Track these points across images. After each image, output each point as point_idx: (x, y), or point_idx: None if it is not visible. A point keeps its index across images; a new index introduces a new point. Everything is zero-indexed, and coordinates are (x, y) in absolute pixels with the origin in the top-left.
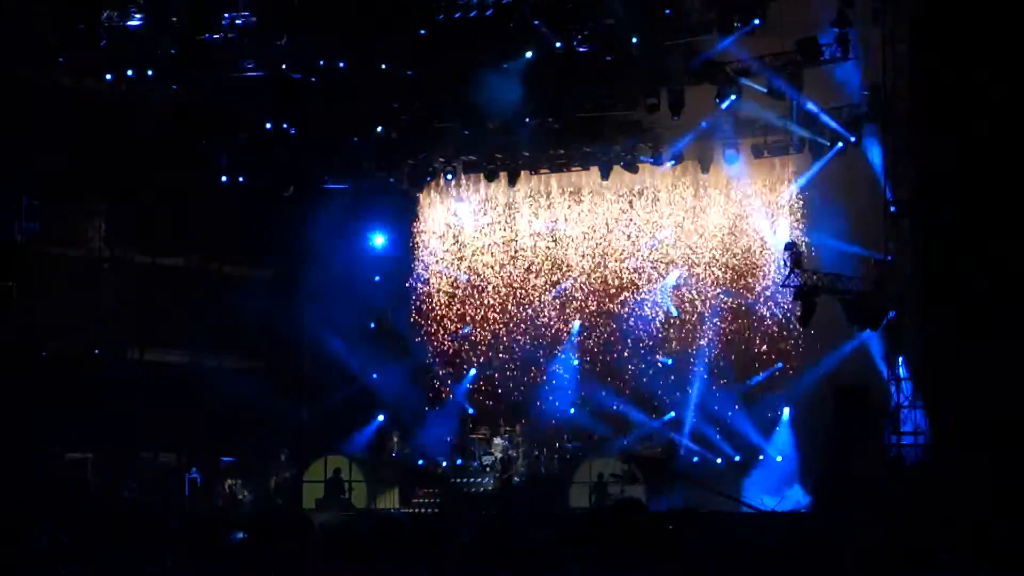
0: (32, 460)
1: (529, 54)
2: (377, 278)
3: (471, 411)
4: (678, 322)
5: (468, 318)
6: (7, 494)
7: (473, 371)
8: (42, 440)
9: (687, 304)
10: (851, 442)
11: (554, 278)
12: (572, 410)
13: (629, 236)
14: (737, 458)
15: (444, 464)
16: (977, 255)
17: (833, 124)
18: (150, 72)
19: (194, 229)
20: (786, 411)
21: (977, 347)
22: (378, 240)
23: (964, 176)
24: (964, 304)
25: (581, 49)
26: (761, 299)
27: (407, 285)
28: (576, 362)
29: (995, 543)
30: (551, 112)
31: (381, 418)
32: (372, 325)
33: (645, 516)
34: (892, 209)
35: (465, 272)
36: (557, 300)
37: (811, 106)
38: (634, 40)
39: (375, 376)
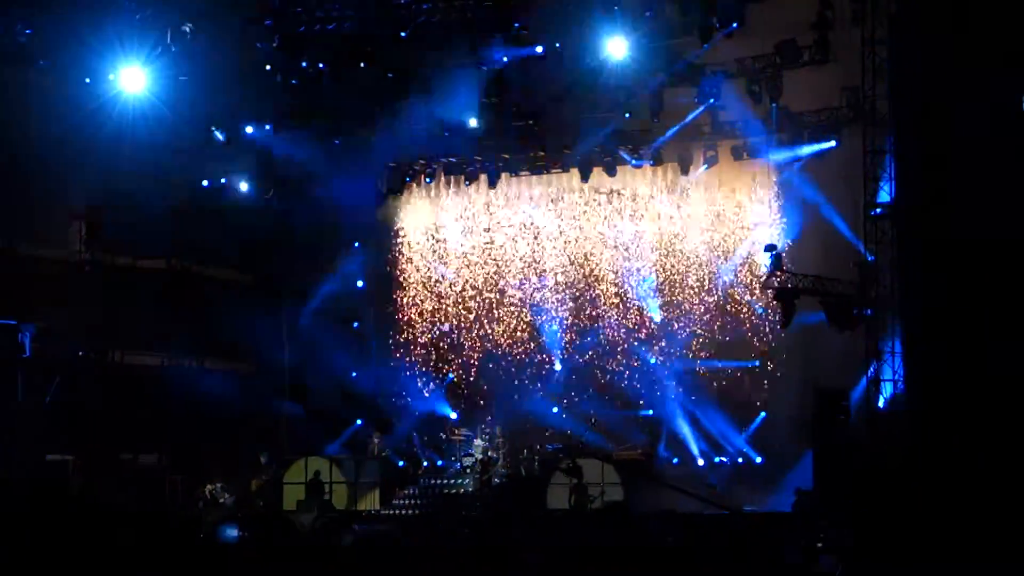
0: (11, 462)
1: (506, 59)
2: (361, 283)
3: (455, 415)
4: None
5: (448, 317)
6: None
7: (451, 376)
8: (22, 441)
9: (669, 306)
10: (831, 445)
11: (533, 279)
12: (555, 408)
13: (608, 237)
14: (716, 459)
15: (424, 465)
16: (958, 257)
17: (811, 127)
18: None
19: (174, 231)
20: (763, 412)
21: (958, 348)
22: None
23: (944, 178)
24: (944, 305)
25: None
26: (742, 300)
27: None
28: (559, 366)
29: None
30: (530, 114)
31: (359, 422)
32: (356, 325)
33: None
34: (872, 211)
35: (449, 272)
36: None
37: (790, 108)
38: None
39: (354, 375)
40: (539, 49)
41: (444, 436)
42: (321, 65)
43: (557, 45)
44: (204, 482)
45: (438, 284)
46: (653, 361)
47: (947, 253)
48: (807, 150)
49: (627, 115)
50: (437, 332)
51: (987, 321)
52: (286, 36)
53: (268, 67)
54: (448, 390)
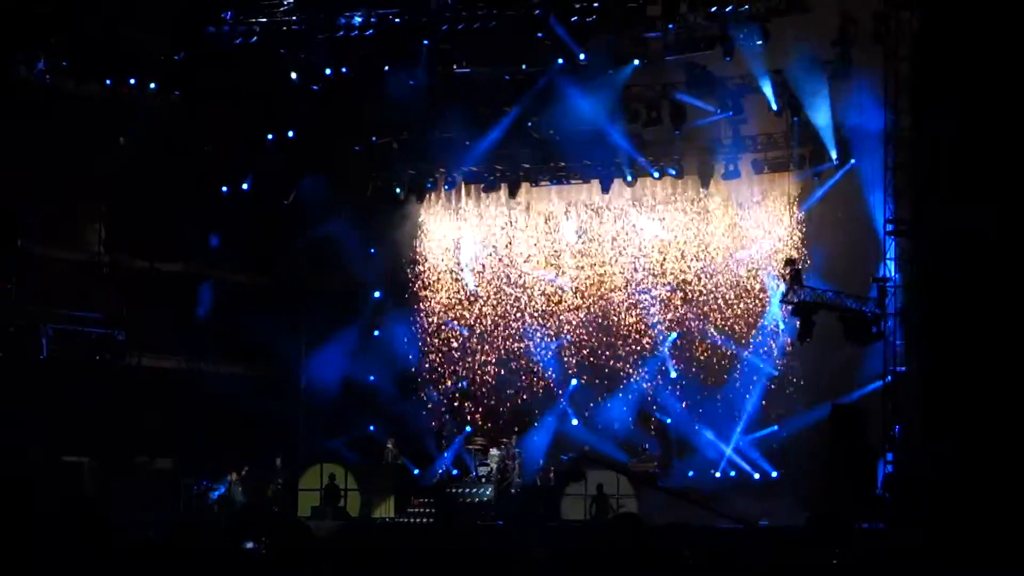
0: (27, 463)
1: (523, 66)
2: (377, 294)
3: (468, 430)
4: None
5: (466, 322)
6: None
7: (464, 382)
8: (38, 443)
9: (687, 318)
10: (847, 462)
11: (552, 288)
12: (575, 421)
13: (628, 248)
14: (733, 473)
15: (440, 473)
16: (979, 274)
17: (834, 141)
18: (153, 84)
19: (194, 235)
20: (775, 426)
21: (975, 365)
22: None
23: (964, 196)
24: (963, 322)
25: (582, 58)
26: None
27: (407, 295)
28: (575, 381)
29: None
30: (552, 124)
31: (371, 428)
32: (377, 333)
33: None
34: (892, 227)
35: (470, 283)
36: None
37: (812, 122)
38: (636, 62)
39: (372, 378)
40: (560, 62)
41: (461, 445)
42: (344, 70)
43: (581, 56)
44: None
45: (457, 292)
46: (674, 375)
47: (967, 270)
48: (828, 164)
49: (649, 127)
50: (456, 337)
51: (1006, 338)
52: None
53: (294, 74)
54: (461, 397)
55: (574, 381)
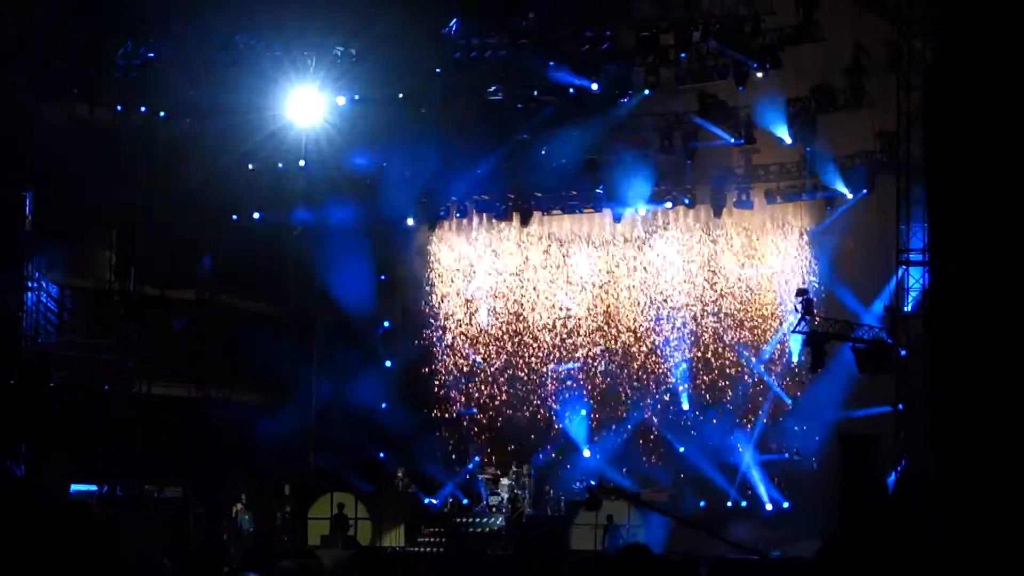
0: (35, 490)
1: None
2: (387, 324)
3: (476, 458)
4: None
5: (478, 350)
6: (10, 524)
7: (474, 409)
8: (47, 471)
9: (699, 349)
10: (859, 492)
11: (563, 319)
12: (586, 451)
13: (639, 278)
14: (744, 503)
15: (450, 503)
16: (991, 303)
17: (845, 172)
18: (163, 113)
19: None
20: (785, 454)
21: (988, 395)
22: None
23: (976, 226)
24: (976, 352)
25: (595, 89)
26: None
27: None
28: (584, 412)
29: None
30: (564, 153)
31: (382, 455)
32: (389, 364)
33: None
34: (904, 256)
35: (481, 314)
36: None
37: (824, 152)
38: (647, 91)
39: (384, 406)
40: (571, 91)
41: (471, 475)
42: (357, 97)
43: (594, 87)
44: (228, 514)
45: (468, 320)
46: (686, 406)
47: (980, 299)
48: (840, 194)
49: (661, 156)
50: (468, 366)
51: (1019, 369)
52: None
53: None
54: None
55: (583, 411)
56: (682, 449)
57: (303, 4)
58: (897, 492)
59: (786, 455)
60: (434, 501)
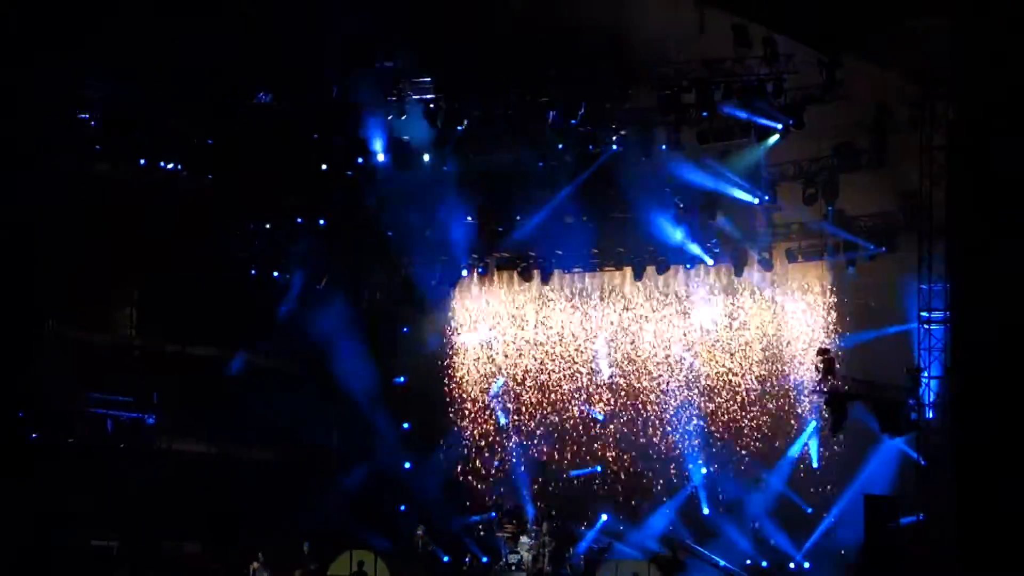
0: (54, 547)
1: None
2: (401, 379)
3: (492, 515)
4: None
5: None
6: None
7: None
8: (66, 527)
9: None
10: (881, 552)
11: (582, 379)
12: (604, 516)
13: (659, 338)
14: (764, 564)
15: (467, 561)
16: (1013, 365)
17: (867, 231)
18: (179, 166)
19: (226, 319)
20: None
21: (1011, 458)
22: None
23: (999, 287)
24: (998, 414)
25: (615, 148)
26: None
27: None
28: (600, 468)
29: None
30: (585, 211)
31: (403, 507)
32: (406, 427)
33: None
34: (925, 317)
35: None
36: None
37: (846, 211)
38: (663, 147)
39: (408, 465)
40: (591, 148)
41: (490, 532)
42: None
43: (615, 147)
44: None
45: (488, 381)
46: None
47: (1003, 359)
48: (862, 254)
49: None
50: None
51: None
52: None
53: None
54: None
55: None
56: (706, 511)
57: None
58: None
59: (809, 509)
60: (447, 558)
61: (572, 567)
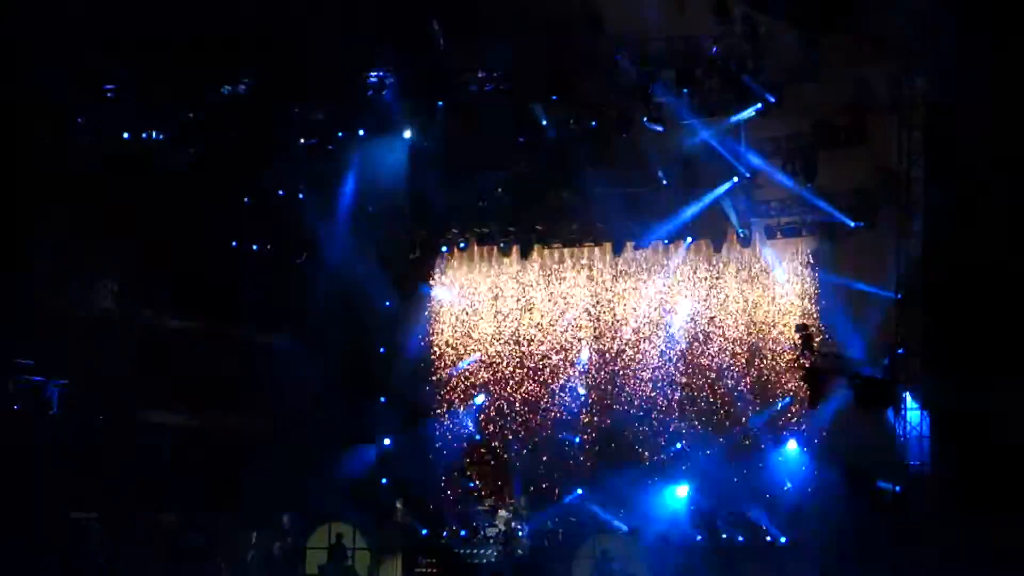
0: (35, 519)
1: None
2: (382, 349)
3: (472, 484)
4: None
5: (481, 388)
6: (8, 553)
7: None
8: (46, 499)
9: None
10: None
11: (563, 353)
12: (579, 490)
13: (639, 312)
14: (740, 539)
15: (445, 535)
16: (989, 339)
17: (845, 208)
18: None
19: (205, 292)
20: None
21: (987, 433)
22: None
23: (976, 265)
24: (974, 392)
25: (595, 124)
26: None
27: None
28: (577, 439)
29: None
30: (565, 186)
31: (384, 480)
32: (383, 400)
33: None
34: (903, 293)
35: (477, 349)
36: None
37: (824, 188)
38: (644, 119)
39: (387, 443)
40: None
41: (468, 506)
42: (363, 132)
43: (592, 124)
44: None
45: (470, 353)
46: (679, 447)
47: (977, 336)
48: (840, 230)
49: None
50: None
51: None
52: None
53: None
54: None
55: (577, 439)
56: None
57: None
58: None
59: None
60: (425, 531)
61: (550, 540)
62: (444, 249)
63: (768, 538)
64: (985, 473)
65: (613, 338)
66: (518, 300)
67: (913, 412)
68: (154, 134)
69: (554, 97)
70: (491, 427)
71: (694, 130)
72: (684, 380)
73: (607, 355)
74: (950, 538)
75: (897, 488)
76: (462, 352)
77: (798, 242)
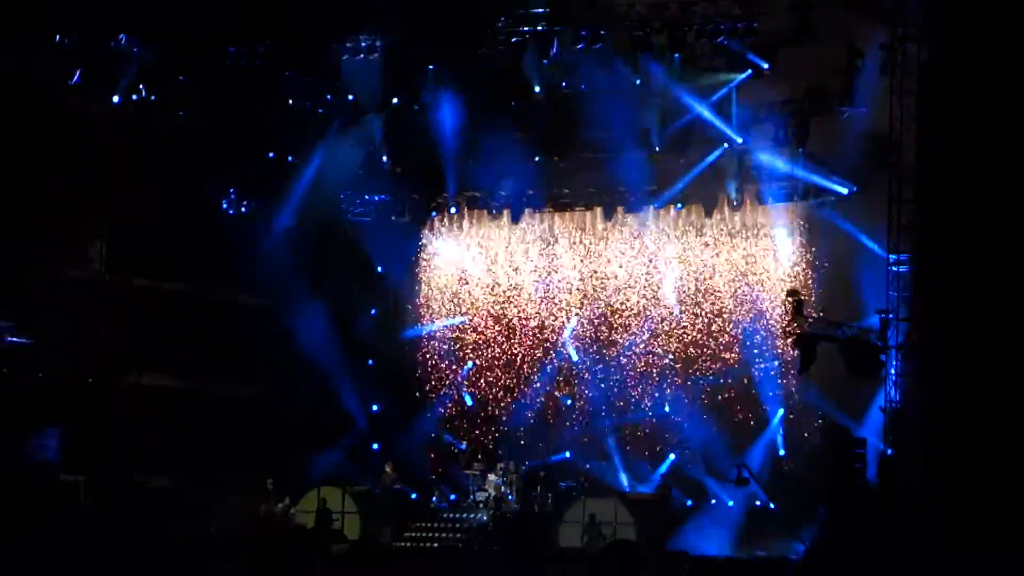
0: (27, 481)
1: (537, 88)
2: (373, 311)
3: (462, 446)
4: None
5: (469, 355)
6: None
7: (469, 399)
8: (37, 461)
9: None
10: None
11: (553, 317)
12: (568, 453)
13: (630, 276)
14: (730, 503)
15: (435, 499)
16: (981, 307)
17: (837, 173)
18: (152, 96)
19: (196, 255)
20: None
21: (977, 398)
22: None
23: (967, 229)
24: (964, 358)
25: (583, 88)
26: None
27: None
28: (569, 401)
29: None
30: (556, 151)
31: (376, 446)
32: (371, 363)
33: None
34: (894, 258)
35: (465, 312)
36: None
37: (817, 153)
38: (637, 82)
39: (376, 408)
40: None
41: (458, 470)
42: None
43: (582, 87)
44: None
45: (460, 316)
46: (667, 409)
47: (970, 302)
48: (832, 195)
49: (653, 155)
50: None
51: (1008, 373)
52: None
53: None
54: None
55: (568, 402)
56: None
57: None
58: (882, 492)
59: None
60: (415, 495)
61: (540, 505)
62: (434, 214)
63: (758, 503)
64: (978, 439)
65: (604, 302)
66: (508, 264)
67: (904, 378)
68: (143, 93)
69: (545, 61)
70: (480, 391)
71: (686, 95)
72: (674, 344)
73: (596, 320)
74: (937, 509)
75: (889, 451)
76: (451, 314)
77: (790, 207)
